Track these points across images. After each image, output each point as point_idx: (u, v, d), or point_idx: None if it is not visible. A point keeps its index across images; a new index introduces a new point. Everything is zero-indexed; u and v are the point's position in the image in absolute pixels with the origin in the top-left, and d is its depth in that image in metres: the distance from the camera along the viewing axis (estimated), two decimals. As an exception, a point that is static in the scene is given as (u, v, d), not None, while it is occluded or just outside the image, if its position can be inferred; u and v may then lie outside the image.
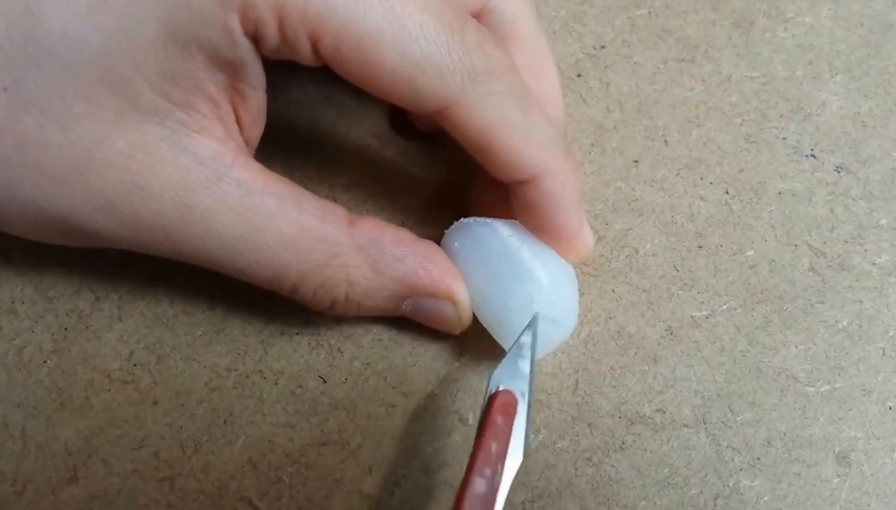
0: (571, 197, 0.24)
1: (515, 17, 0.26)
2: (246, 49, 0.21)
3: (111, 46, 0.20)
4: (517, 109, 0.23)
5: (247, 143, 0.24)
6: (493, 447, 0.21)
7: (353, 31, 0.21)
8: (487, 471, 0.21)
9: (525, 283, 0.24)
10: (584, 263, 0.28)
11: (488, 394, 0.22)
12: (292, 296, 0.24)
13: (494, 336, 0.25)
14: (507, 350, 0.24)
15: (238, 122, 0.23)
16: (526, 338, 0.23)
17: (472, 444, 0.21)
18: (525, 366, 0.23)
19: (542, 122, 0.24)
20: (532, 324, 0.24)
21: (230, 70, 0.22)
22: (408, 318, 0.26)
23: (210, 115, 0.22)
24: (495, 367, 0.23)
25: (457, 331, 0.26)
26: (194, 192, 0.22)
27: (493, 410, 0.22)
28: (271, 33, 0.21)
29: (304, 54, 0.21)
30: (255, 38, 0.21)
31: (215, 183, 0.22)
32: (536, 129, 0.23)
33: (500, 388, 0.22)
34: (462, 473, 0.21)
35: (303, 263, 0.23)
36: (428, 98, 0.22)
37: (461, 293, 0.25)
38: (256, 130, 0.24)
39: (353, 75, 0.22)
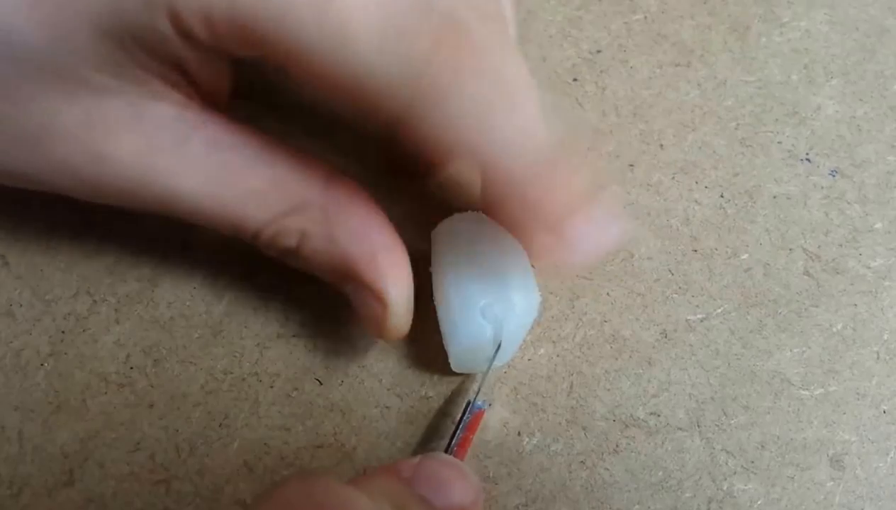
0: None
1: None
2: (181, 45, 0.21)
3: (51, 41, 0.20)
4: None
5: (215, 98, 0.23)
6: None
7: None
8: None
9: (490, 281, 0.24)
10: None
11: (471, 412, 0.23)
12: (249, 241, 0.24)
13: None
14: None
15: (198, 81, 0.22)
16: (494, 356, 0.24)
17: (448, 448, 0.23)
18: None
19: None
20: (497, 344, 0.24)
21: (174, 58, 0.21)
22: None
23: (166, 84, 0.22)
24: (478, 383, 0.24)
25: (384, 337, 0.24)
26: (159, 155, 0.22)
27: (472, 430, 0.23)
28: (203, 36, 0.20)
29: (236, 51, 0.21)
30: (188, 38, 0.20)
31: (182, 144, 0.22)
32: None
33: (484, 407, 0.23)
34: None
35: (267, 213, 0.23)
36: None
37: (396, 300, 0.23)
38: (222, 85, 0.23)
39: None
